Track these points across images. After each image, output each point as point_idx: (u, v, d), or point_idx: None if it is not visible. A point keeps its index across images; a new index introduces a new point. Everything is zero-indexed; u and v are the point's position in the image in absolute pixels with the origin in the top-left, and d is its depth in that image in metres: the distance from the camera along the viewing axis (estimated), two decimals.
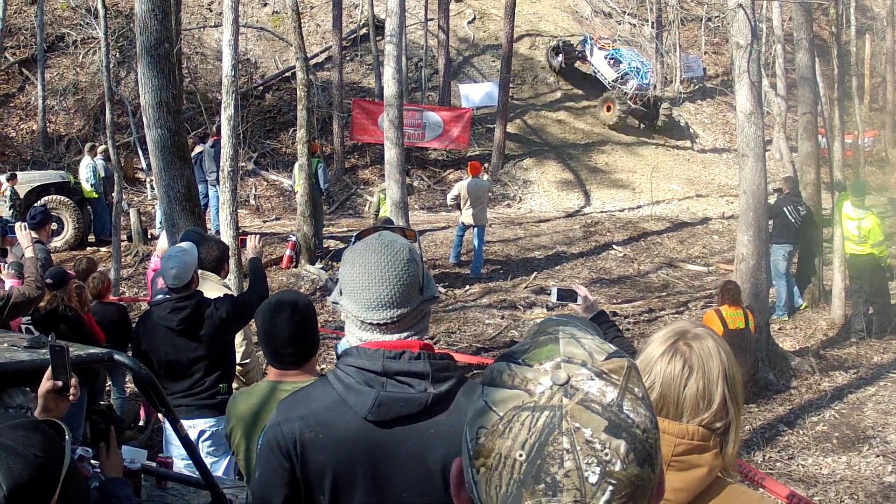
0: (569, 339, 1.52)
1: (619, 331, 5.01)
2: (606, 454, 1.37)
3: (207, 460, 6.43)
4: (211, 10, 32.25)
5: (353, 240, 3.07)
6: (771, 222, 17.03)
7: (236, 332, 7.33)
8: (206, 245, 7.90)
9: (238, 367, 7.61)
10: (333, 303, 2.98)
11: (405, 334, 2.86)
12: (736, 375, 2.60)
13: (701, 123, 36.58)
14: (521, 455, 1.38)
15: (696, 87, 38.81)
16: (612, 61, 33.53)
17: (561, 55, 34.99)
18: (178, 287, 6.92)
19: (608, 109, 33.02)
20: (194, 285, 7.07)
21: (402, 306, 2.82)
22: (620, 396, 1.43)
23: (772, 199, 17.63)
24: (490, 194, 20.08)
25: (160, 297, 7.30)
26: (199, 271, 7.39)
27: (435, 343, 14.20)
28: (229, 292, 7.69)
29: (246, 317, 7.16)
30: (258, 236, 8.25)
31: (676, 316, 16.81)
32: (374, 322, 2.83)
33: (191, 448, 5.01)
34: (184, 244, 7.35)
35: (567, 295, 4.59)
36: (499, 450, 1.41)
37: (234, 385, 7.32)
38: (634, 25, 39.54)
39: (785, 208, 17.12)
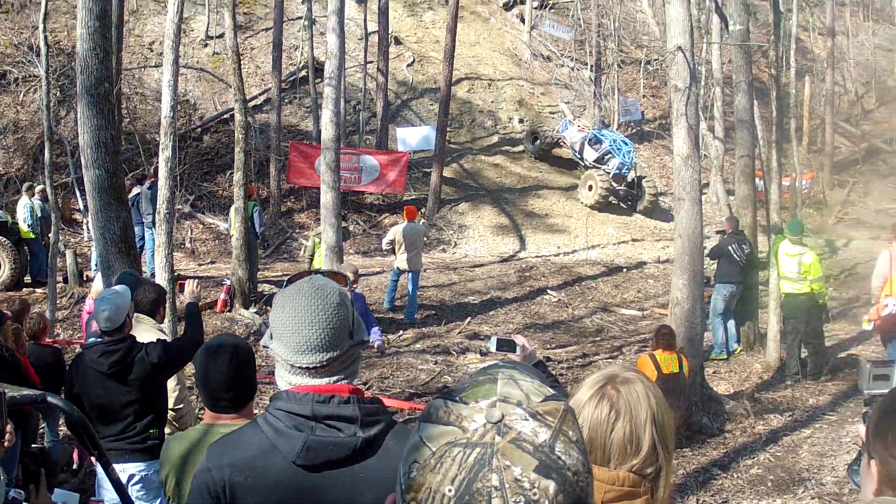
0: (507, 380, 1.56)
1: (556, 380, 5.07)
2: (535, 494, 1.39)
3: None
4: (152, 50, 32.09)
5: (284, 284, 3.07)
6: (716, 263, 17.26)
7: (169, 376, 7.24)
8: (142, 288, 7.85)
9: (171, 412, 7.55)
10: (264, 346, 2.98)
11: (335, 378, 2.87)
12: (666, 420, 2.62)
13: (638, 167, 36.86)
14: (450, 490, 1.41)
15: (634, 130, 38.99)
16: (592, 141, 32.68)
17: (538, 140, 34.34)
18: (111, 330, 6.83)
19: (589, 189, 32.03)
20: (127, 329, 6.98)
21: (331, 350, 2.83)
22: (553, 438, 1.46)
23: (714, 241, 17.90)
24: (425, 239, 20.07)
25: (92, 339, 7.20)
26: (135, 314, 7.36)
27: (368, 388, 14.17)
28: (163, 336, 7.56)
29: (179, 362, 7.13)
30: (196, 281, 8.17)
31: (610, 361, 16.84)
32: (304, 366, 2.83)
33: (122, 491, 4.99)
34: (118, 287, 7.27)
35: (506, 345, 4.61)
36: (429, 484, 1.44)
37: (168, 430, 7.21)
38: (573, 69, 39.84)
39: (730, 247, 17.30)
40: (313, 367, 2.84)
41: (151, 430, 6.95)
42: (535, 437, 1.45)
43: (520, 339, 4.82)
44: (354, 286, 14.08)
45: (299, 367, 2.86)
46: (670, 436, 2.64)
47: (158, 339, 7.14)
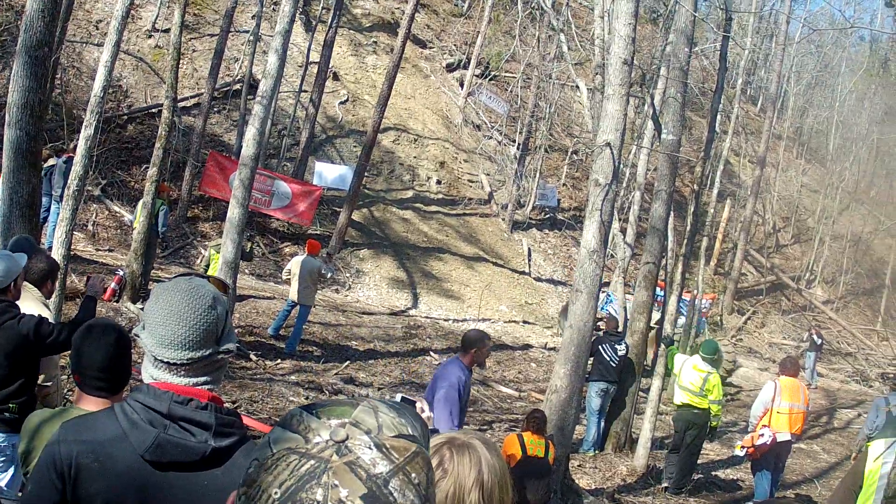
0: (367, 409, 1.61)
1: None
2: None
3: None
4: (97, 28, 31.66)
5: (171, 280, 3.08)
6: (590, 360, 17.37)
7: (37, 357, 6.92)
8: (35, 257, 7.72)
9: (40, 388, 7.47)
10: (136, 336, 3.01)
11: (197, 380, 2.90)
12: (498, 491, 2.61)
13: (543, 252, 37.07)
14: (276, 493, 1.46)
15: (547, 216, 39.24)
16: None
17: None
18: None
19: None
20: (10, 295, 6.78)
21: (194, 349, 2.86)
22: (391, 473, 1.49)
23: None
24: (323, 278, 19.91)
25: None
26: (25, 284, 7.25)
27: (236, 408, 14.08)
28: (46, 312, 7.32)
29: (50, 349, 6.84)
30: (101, 278, 7.99)
31: (485, 436, 16.85)
32: (165, 360, 2.86)
33: None
34: (15, 252, 7.19)
35: (409, 404, 4.65)
36: (260, 483, 1.50)
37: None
38: (500, 142, 40.04)
39: (600, 346, 17.45)
40: (174, 364, 2.86)
41: (11, 405, 6.71)
42: (372, 466, 1.48)
43: (424, 404, 4.89)
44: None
45: (161, 361, 2.88)
46: None
47: (39, 315, 6.87)
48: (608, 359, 17.38)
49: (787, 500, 15.24)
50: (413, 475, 1.52)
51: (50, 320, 7.02)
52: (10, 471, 6.69)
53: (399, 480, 1.50)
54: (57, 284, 8.09)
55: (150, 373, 2.94)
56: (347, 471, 1.47)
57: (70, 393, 10.04)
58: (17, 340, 6.65)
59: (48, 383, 7.50)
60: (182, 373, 2.90)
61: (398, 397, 4.64)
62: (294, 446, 1.52)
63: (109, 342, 4.31)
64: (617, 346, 17.65)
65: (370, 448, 1.52)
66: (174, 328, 2.86)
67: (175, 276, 3.12)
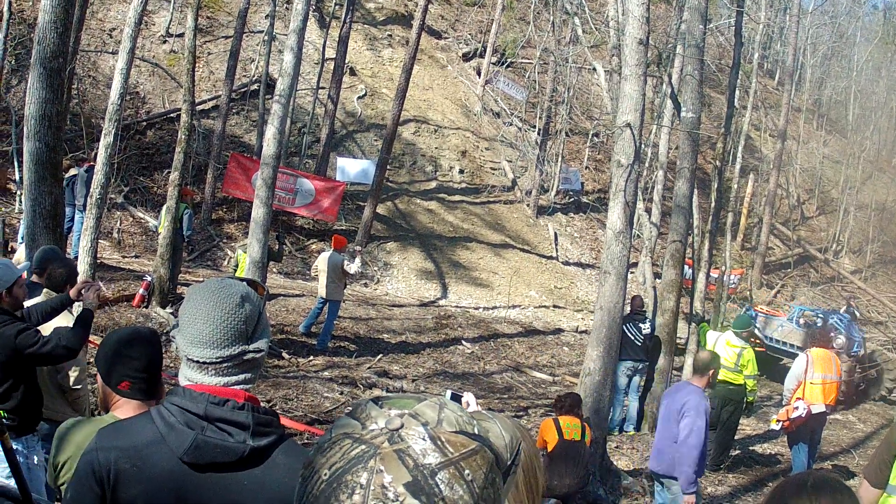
0: (432, 404, 1.60)
1: None
2: None
3: None
4: (111, 37, 31.79)
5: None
6: None
7: (26, 366, 6.83)
8: (55, 264, 7.74)
9: (70, 391, 7.48)
10: (172, 337, 3.02)
11: (230, 379, 2.90)
12: (520, 474, 2.58)
13: (570, 236, 36.97)
14: (325, 474, 1.47)
15: (572, 199, 39.21)
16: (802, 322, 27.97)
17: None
18: None
19: None
20: (4, 302, 6.75)
21: (223, 347, 2.86)
22: (441, 466, 1.47)
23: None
24: (347, 274, 19.74)
25: None
26: (45, 290, 7.26)
27: (271, 407, 14.09)
28: (69, 318, 7.45)
29: (41, 359, 6.76)
30: (99, 286, 7.87)
31: (515, 419, 16.80)
32: (196, 360, 2.87)
33: (13, 461, 4.89)
34: (9, 261, 7.18)
35: (456, 399, 4.61)
36: (314, 464, 1.51)
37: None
38: (521, 129, 39.96)
39: (624, 326, 17.39)
40: (204, 363, 2.87)
41: (1, 412, 6.56)
42: (422, 456, 1.47)
43: (472, 399, 4.88)
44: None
45: (193, 361, 2.89)
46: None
47: (28, 326, 6.79)
48: (632, 338, 17.32)
49: (824, 471, 15.16)
50: (466, 471, 1.50)
51: (37, 333, 6.83)
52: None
53: (449, 473, 1.48)
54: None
55: (185, 374, 2.95)
56: (395, 458, 1.46)
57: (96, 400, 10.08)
58: (4, 348, 6.62)
59: (77, 386, 7.53)
60: (213, 372, 2.90)
61: (448, 394, 4.63)
62: (350, 431, 1.54)
63: (152, 347, 4.36)
64: (641, 325, 17.63)
65: (423, 439, 1.51)
66: (202, 327, 2.86)
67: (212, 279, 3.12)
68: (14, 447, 6.61)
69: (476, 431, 1.60)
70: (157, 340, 4.44)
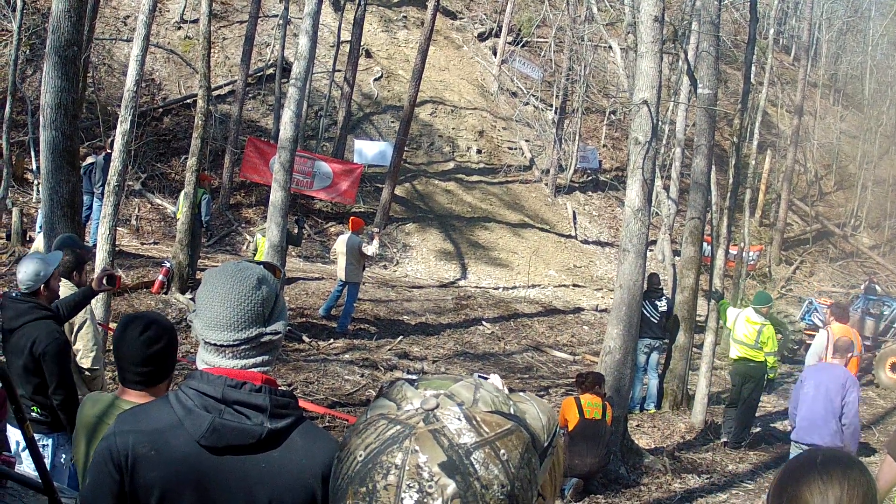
0: (468, 384, 1.63)
1: None
2: (430, 487, 1.44)
3: None
4: (126, 24, 31.78)
5: None
6: None
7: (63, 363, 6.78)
8: (66, 250, 7.77)
9: (86, 373, 7.51)
10: (189, 321, 3.02)
11: (247, 362, 2.89)
12: None
13: (588, 215, 36.92)
14: (361, 455, 1.49)
15: (589, 178, 39.12)
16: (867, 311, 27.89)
17: None
18: (25, 292, 6.76)
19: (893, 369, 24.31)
20: (41, 296, 6.83)
21: (239, 330, 2.85)
22: (477, 445, 1.48)
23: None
24: (364, 256, 19.63)
25: (12, 293, 7.03)
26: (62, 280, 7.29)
27: (292, 391, 14.08)
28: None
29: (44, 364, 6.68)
30: (107, 276, 7.83)
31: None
32: (213, 342, 2.86)
33: (35, 450, 4.90)
34: (47, 254, 7.22)
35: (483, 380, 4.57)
36: (350, 445, 1.53)
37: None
38: (537, 108, 39.89)
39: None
40: (220, 345, 2.87)
41: (33, 408, 6.68)
42: (457, 436, 1.48)
43: (498, 381, 4.87)
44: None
45: (210, 344, 2.89)
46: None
47: (55, 345, 6.67)
48: (649, 315, 17.25)
49: (834, 448, 15.12)
50: (502, 451, 1.51)
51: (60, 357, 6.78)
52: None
53: (484, 453, 1.49)
54: (86, 276, 8.01)
55: (202, 357, 2.95)
56: (430, 438, 1.48)
57: (111, 382, 10.12)
58: (27, 354, 6.62)
59: (96, 367, 7.56)
60: (230, 355, 2.89)
61: (474, 375, 4.61)
62: (386, 412, 1.55)
63: (140, 333, 4.32)
64: (657, 302, 17.58)
65: (459, 419, 1.52)
66: (218, 309, 2.86)
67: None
68: (44, 443, 6.70)
69: (512, 412, 1.61)
70: (155, 330, 4.38)
